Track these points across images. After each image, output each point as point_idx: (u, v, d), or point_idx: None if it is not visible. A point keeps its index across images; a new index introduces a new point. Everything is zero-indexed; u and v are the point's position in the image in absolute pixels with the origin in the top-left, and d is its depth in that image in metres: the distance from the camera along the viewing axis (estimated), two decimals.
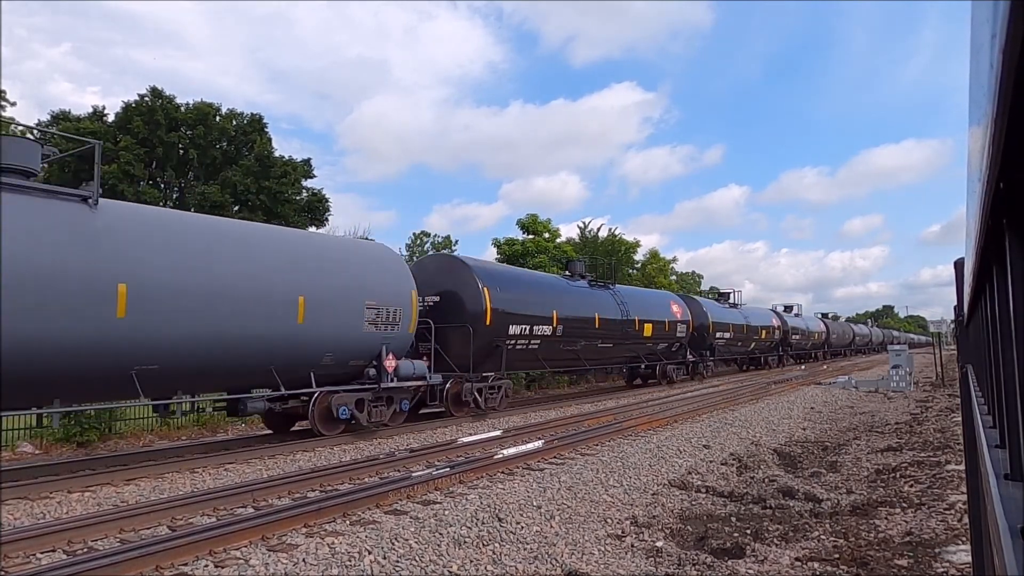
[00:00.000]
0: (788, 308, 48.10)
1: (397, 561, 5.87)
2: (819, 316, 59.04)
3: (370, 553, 5.97)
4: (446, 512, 7.27)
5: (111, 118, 31.62)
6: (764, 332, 38.30)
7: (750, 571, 5.99)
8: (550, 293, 19.42)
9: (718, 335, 31.05)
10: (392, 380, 13.27)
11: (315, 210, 34.65)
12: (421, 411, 15.70)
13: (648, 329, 24.04)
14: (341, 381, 12.74)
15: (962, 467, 8.53)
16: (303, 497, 8.09)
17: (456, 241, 45.28)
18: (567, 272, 22.93)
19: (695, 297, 32.80)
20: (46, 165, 10.75)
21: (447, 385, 15.38)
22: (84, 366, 8.89)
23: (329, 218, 35.48)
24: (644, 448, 11.56)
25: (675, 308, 27.04)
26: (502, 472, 9.51)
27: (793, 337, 43.69)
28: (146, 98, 31.26)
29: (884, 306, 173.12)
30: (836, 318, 75.60)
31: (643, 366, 25.59)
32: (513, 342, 17.20)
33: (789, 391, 23.65)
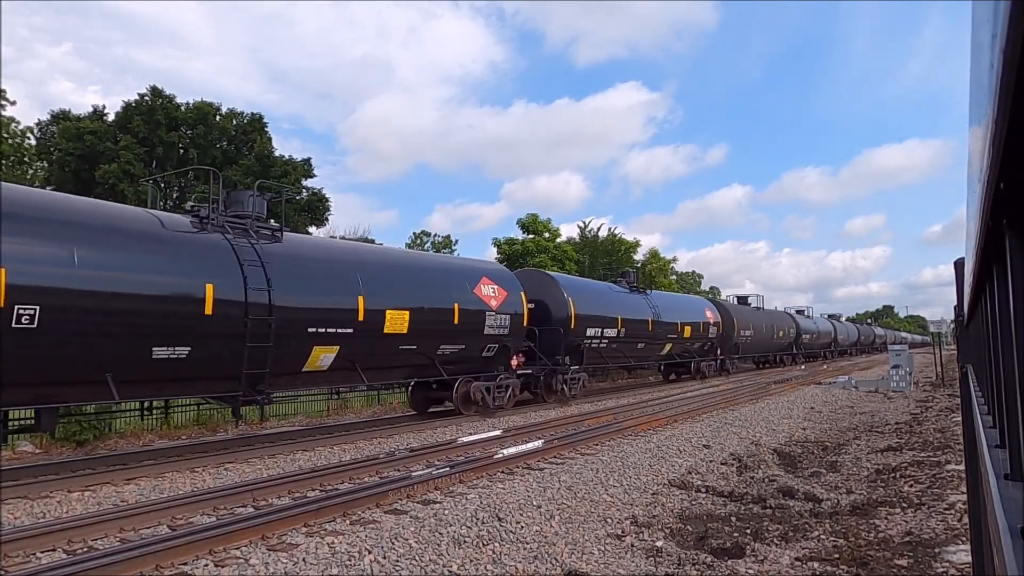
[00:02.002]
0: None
1: (397, 561, 5.87)
2: (730, 300, 38.79)
3: (370, 552, 5.97)
4: (446, 512, 7.28)
5: (111, 117, 31.63)
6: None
7: (750, 571, 5.99)
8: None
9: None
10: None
11: (315, 210, 34.67)
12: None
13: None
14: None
15: (962, 467, 8.53)
16: (303, 496, 8.10)
17: (456, 241, 45.32)
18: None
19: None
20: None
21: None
22: None
23: (329, 218, 35.46)
24: (644, 448, 11.57)
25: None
26: (502, 472, 9.52)
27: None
28: (146, 97, 31.30)
29: (884, 306, 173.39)
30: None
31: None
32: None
33: (789, 391, 23.67)
